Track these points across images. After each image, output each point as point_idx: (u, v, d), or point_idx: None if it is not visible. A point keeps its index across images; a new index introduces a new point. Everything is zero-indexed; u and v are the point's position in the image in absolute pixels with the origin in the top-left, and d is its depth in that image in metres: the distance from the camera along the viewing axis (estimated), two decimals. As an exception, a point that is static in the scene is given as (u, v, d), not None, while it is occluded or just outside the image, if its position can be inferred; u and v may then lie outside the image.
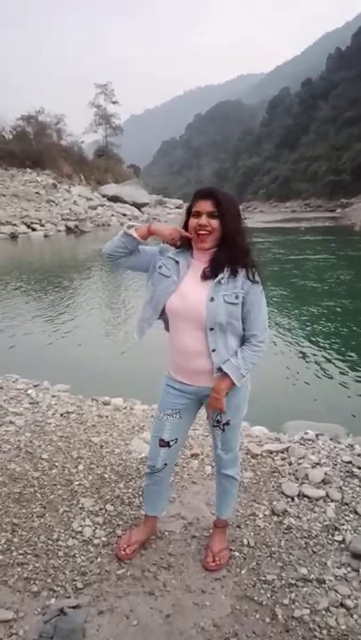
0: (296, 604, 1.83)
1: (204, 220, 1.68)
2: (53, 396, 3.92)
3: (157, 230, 1.82)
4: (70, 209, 35.16)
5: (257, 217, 58.61)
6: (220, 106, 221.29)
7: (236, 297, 1.72)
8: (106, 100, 63.49)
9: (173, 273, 1.78)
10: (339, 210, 62.25)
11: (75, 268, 15.31)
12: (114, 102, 64.33)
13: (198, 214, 1.70)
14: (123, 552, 2.04)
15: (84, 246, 23.18)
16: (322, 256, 17.80)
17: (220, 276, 1.72)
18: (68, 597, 1.85)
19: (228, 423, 1.89)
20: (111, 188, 48.38)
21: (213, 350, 1.76)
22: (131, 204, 46.63)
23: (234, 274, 1.72)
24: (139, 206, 47.76)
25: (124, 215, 41.99)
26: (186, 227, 1.78)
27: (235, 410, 1.89)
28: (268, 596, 1.87)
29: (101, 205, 41.46)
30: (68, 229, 30.36)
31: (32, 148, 41.71)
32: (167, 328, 1.91)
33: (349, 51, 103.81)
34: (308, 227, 34.07)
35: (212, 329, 1.73)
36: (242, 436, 3.21)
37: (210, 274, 1.74)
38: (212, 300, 1.71)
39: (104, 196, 45.70)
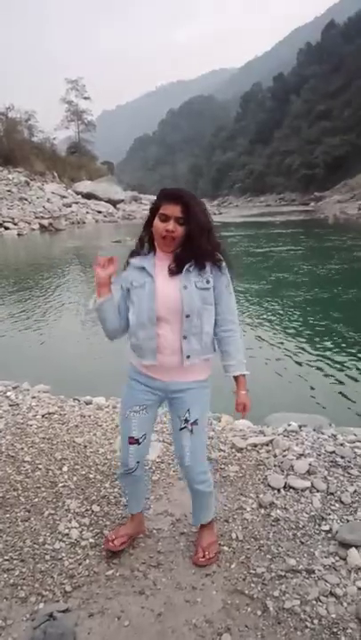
0: (286, 595, 1.83)
1: (171, 225, 1.66)
2: (34, 397, 3.85)
3: (98, 278, 1.86)
4: (44, 207, 34.68)
5: (233, 212, 58.95)
6: (192, 101, 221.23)
7: (208, 282, 1.74)
8: (77, 96, 62.72)
9: (145, 277, 1.76)
10: (312, 203, 63.13)
11: (50, 266, 15.10)
12: (85, 98, 63.64)
13: (166, 218, 1.67)
14: (111, 543, 2.02)
15: (60, 245, 22.88)
16: (296, 248, 18.05)
17: (186, 265, 1.72)
18: (57, 601, 1.81)
19: (195, 422, 1.86)
20: (85, 185, 47.88)
21: (185, 337, 1.74)
22: (106, 201, 46.27)
23: (200, 267, 1.73)
24: (114, 203, 47.41)
25: (100, 212, 41.65)
26: (149, 225, 1.75)
27: (202, 407, 1.88)
28: (259, 589, 1.87)
29: (76, 203, 41.00)
30: (43, 227, 29.94)
31: (3, 146, 40.90)
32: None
33: (320, 46, 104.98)
34: (283, 220, 34.42)
35: (188, 316, 1.72)
36: (226, 430, 3.23)
37: (175, 270, 1.73)
38: (185, 287, 1.71)
39: (78, 193, 45.18)
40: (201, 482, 1.96)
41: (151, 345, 1.74)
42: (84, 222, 36.80)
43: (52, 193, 39.29)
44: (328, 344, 6.47)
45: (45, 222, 30.47)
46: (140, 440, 1.92)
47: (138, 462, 1.96)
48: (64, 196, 40.62)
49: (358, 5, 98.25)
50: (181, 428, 1.87)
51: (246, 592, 1.86)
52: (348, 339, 6.67)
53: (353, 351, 6.10)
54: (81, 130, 63.46)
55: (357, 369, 5.46)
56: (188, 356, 1.76)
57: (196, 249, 1.70)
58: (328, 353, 6.04)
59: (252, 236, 23.38)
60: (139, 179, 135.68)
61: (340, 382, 5.12)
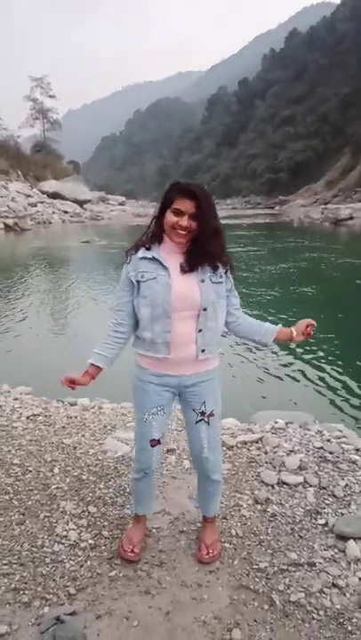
0: (291, 588, 1.86)
1: (185, 221, 1.66)
2: (16, 399, 3.76)
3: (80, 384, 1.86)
4: (8, 206, 33.92)
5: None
6: (159, 102, 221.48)
7: (220, 276, 1.76)
8: (42, 94, 61.67)
9: (158, 269, 1.72)
10: (277, 207, 64.30)
11: (18, 266, 14.78)
12: (51, 96, 62.66)
13: (180, 213, 1.65)
14: (131, 553, 1.99)
15: (26, 245, 22.42)
16: (266, 249, 18.36)
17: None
18: (62, 604, 1.78)
19: (212, 414, 1.89)
20: (51, 185, 47.15)
21: (200, 330, 1.75)
22: (72, 201, 45.72)
23: (213, 268, 1.74)
24: (80, 203, 46.90)
25: (66, 212, 41.07)
26: (159, 221, 1.74)
27: (215, 397, 1.90)
28: (264, 583, 1.90)
29: (41, 202, 40.32)
30: (7, 227, 29.28)
31: None
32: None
33: (283, 52, 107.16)
34: (250, 223, 34.94)
35: (205, 309, 1.73)
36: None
37: (187, 268, 1.72)
38: (202, 281, 1.72)
39: (44, 192, 44.43)
40: (217, 471, 1.99)
41: (166, 338, 1.72)
42: (50, 222, 36.19)
43: (17, 192, 38.48)
44: (305, 343, 6.60)
45: (10, 222, 29.81)
46: (161, 440, 1.93)
47: (158, 461, 1.98)
48: (29, 196, 39.85)
49: (319, 15, 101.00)
50: (198, 421, 1.88)
51: (251, 587, 1.88)
52: (321, 337, 6.83)
53: (328, 348, 6.25)
54: (46, 128, 62.48)
55: (334, 366, 5.60)
56: (203, 350, 1.77)
57: (207, 249, 1.70)
58: (302, 350, 6.15)
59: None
60: (106, 178, 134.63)
61: (320, 379, 5.23)
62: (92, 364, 1.84)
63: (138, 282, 1.74)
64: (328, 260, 15.12)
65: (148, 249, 1.75)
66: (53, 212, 39.16)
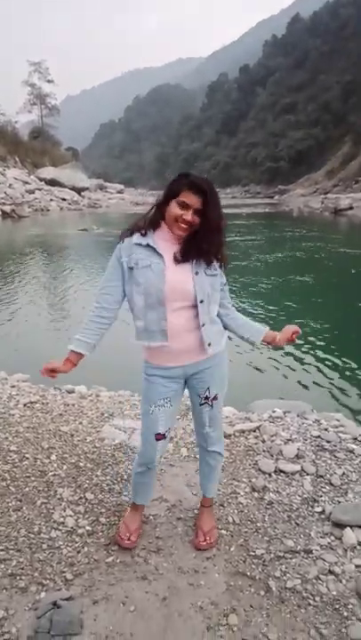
0: (287, 575, 1.87)
1: (190, 216, 1.63)
2: (13, 387, 3.75)
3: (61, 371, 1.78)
4: (6, 193, 33.63)
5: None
6: (159, 89, 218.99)
7: (215, 269, 1.75)
8: (40, 79, 60.82)
9: (152, 257, 1.68)
10: (277, 196, 63.96)
11: (15, 254, 14.69)
12: (49, 81, 61.79)
13: (186, 207, 1.62)
14: (128, 541, 2.00)
15: (23, 232, 22.29)
16: (267, 238, 18.29)
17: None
18: (59, 590, 1.78)
19: (215, 398, 1.89)
20: (49, 172, 46.71)
21: (203, 325, 1.74)
22: (70, 189, 45.35)
23: (207, 262, 1.72)
24: (78, 190, 46.54)
25: (64, 200, 40.77)
26: (161, 208, 1.69)
27: (220, 382, 1.90)
28: (260, 570, 1.90)
29: (39, 189, 39.99)
30: (5, 214, 29.08)
31: None
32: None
33: (285, 38, 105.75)
34: (249, 212, 34.78)
35: (202, 301, 1.71)
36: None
37: (180, 259, 1.69)
38: (196, 273, 1.70)
39: (41, 179, 44.05)
40: (217, 443, 2.01)
41: (162, 326, 1.70)
42: (48, 209, 35.93)
43: (15, 179, 38.13)
44: (303, 332, 6.60)
45: (7, 209, 29.60)
46: (167, 434, 1.91)
47: (161, 456, 1.97)
48: (27, 182, 39.52)
49: (323, 0, 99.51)
50: (202, 404, 1.90)
51: (248, 573, 1.89)
52: (319, 326, 6.83)
53: (326, 338, 6.26)
54: (44, 114, 61.75)
55: (332, 355, 5.60)
56: (210, 344, 1.77)
57: (201, 246, 1.67)
58: (300, 340, 6.15)
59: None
60: (104, 166, 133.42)
61: (317, 368, 5.24)
62: (73, 351, 1.78)
63: (131, 268, 1.71)
64: (326, 249, 15.09)
65: (143, 235, 1.71)
66: (51, 200, 38.86)
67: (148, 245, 1.69)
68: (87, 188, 49.46)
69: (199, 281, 1.69)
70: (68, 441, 2.89)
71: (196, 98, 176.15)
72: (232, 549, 2.02)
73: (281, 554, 1.99)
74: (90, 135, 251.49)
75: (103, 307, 1.77)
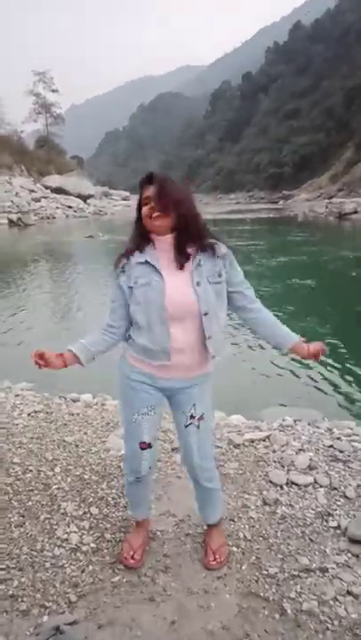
0: (303, 596, 1.77)
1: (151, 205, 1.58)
2: (17, 396, 3.68)
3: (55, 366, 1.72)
4: (12, 201, 33.86)
5: (203, 209, 58.94)
6: (162, 97, 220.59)
7: (220, 275, 1.66)
8: (45, 89, 61.35)
9: (151, 273, 1.61)
10: (281, 202, 63.89)
11: (21, 262, 14.71)
12: (54, 91, 62.30)
13: (148, 200, 1.58)
14: (132, 560, 1.90)
15: (29, 240, 22.36)
16: (267, 244, 18.20)
17: (197, 258, 1.62)
18: (63, 613, 1.69)
19: (202, 417, 1.78)
20: (55, 180, 47.05)
21: (209, 337, 1.65)
22: (76, 196, 45.63)
23: (203, 250, 1.63)
24: (84, 198, 46.81)
25: (70, 207, 40.99)
26: (140, 220, 1.63)
27: (207, 400, 1.80)
28: (274, 590, 1.80)
29: (45, 197, 40.24)
30: (11, 222, 29.22)
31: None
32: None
33: (287, 45, 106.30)
34: (253, 218, 34.68)
35: (206, 313, 1.62)
36: (221, 426, 3.16)
37: (180, 258, 1.62)
38: (198, 284, 1.61)
39: (47, 187, 44.34)
40: (209, 479, 1.89)
41: (164, 345, 1.62)
42: (54, 217, 36.09)
43: (21, 187, 38.39)
44: (311, 338, 6.49)
45: (14, 217, 29.75)
46: (152, 443, 1.81)
47: (150, 467, 1.86)
48: (33, 191, 39.78)
49: (324, 6, 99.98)
50: (187, 425, 1.78)
51: (261, 594, 1.78)
52: (329, 332, 6.72)
53: (336, 344, 6.14)
54: (49, 123, 62.18)
55: (342, 362, 5.48)
56: (214, 356, 1.70)
57: (187, 227, 1.60)
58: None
59: (228, 231, 23.43)
60: (109, 174, 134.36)
61: (328, 375, 5.12)
62: (70, 351, 1.71)
63: (130, 287, 1.65)
64: (331, 253, 14.97)
65: (141, 252, 1.65)
66: (57, 208, 39.06)
67: (146, 262, 1.63)
68: (92, 196, 49.70)
69: (202, 292, 1.61)
70: (73, 452, 2.80)
71: (198, 105, 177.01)
72: (244, 568, 1.91)
73: (296, 572, 1.88)
74: (95, 144, 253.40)
75: (110, 324, 1.74)
